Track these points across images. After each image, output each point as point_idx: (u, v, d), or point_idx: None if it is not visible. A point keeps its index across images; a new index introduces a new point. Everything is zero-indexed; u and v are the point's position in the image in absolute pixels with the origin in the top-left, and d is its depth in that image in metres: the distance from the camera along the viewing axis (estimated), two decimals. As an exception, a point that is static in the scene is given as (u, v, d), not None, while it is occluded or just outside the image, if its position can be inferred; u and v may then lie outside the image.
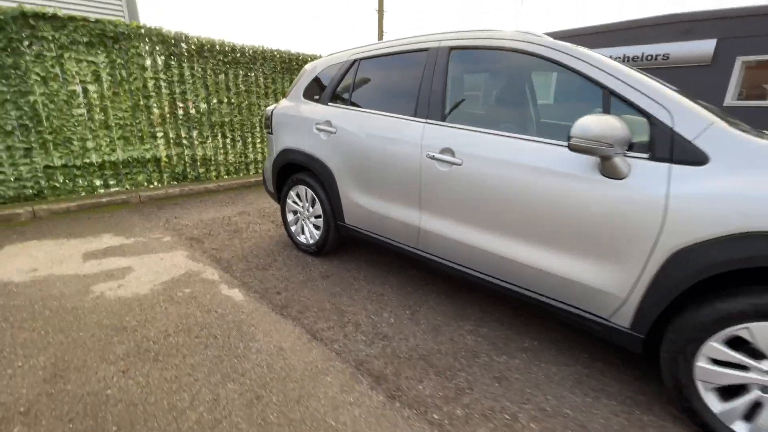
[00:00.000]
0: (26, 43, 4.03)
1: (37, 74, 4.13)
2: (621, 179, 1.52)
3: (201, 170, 5.76)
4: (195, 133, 5.58)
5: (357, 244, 3.43)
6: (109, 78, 4.63)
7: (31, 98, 4.12)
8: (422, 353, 1.98)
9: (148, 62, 4.91)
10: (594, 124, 1.43)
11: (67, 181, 4.53)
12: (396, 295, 2.56)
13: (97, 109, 4.60)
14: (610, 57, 1.76)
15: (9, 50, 3.93)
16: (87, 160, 4.62)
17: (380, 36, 12.26)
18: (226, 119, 5.87)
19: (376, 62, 2.63)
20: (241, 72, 5.91)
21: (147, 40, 4.84)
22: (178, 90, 5.24)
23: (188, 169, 5.59)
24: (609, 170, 1.53)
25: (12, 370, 1.76)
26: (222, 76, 5.70)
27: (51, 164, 4.38)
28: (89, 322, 2.15)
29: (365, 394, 1.68)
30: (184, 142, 5.47)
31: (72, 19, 4.29)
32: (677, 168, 1.43)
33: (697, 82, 6.96)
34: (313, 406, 1.60)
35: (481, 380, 1.80)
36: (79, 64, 4.39)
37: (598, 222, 1.59)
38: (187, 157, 5.53)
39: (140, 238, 3.47)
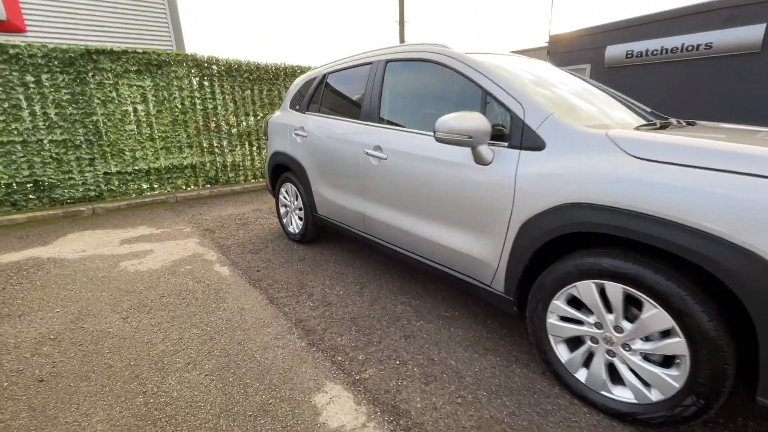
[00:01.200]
0: (90, 74, 5.02)
1: (99, 98, 5.12)
2: (487, 165, 1.82)
3: (231, 174, 6.56)
4: (225, 143, 6.40)
5: (338, 233, 3.87)
6: (154, 98, 5.56)
7: (94, 118, 5.11)
8: (353, 316, 2.36)
9: (185, 83, 5.79)
10: (452, 120, 1.75)
11: (120, 184, 5.49)
12: (354, 275, 2.96)
13: (144, 125, 5.53)
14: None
15: (78, 81, 4.94)
16: (136, 167, 5.56)
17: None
18: (252, 129, 6.65)
19: (338, 76, 3.08)
20: (264, 87, 6.66)
21: (184, 65, 5.72)
22: (210, 105, 6.08)
23: (219, 174, 6.42)
24: (477, 158, 1.83)
25: (51, 314, 2.43)
26: (248, 92, 6.49)
27: (108, 171, 5.36)
28: (110, 286, 2.81)
29: (292, 342, 2.11)
30: (216, 150, 6.30)
31: (125, 52, 5.25)
32: (524, 153, 1.71)
33: (745, 71, 6.55)
34: (249, 346, 2.06)
35: (392, 337, 2.14)
36: (130, 89, 5.35)
37: (473, 201, 1.89)
38: (218, 164, 6.36)
39: (166, 229, 4.21)
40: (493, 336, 2.15)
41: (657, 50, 7.73)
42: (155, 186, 5.83)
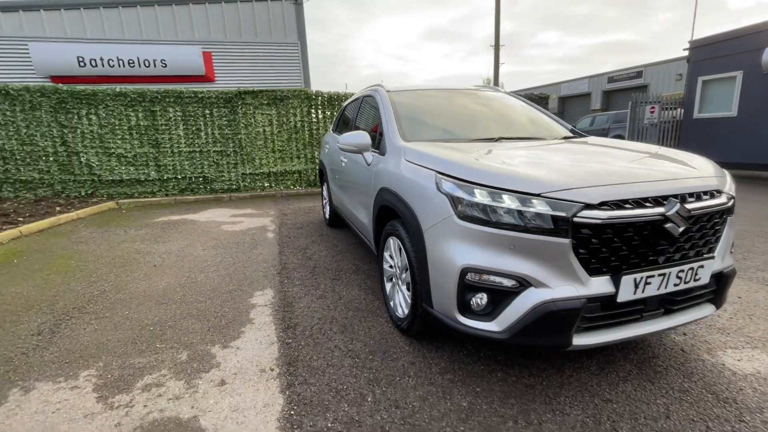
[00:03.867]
0: (239, 107, 7.56)
1: (243, 123, 7.62)
2: (369, 164, 2.78)
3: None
4: (322, 155, 8.33)
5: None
6: (277, 122, 7.84)
7: (239, 136, 7.63)
8: (326, 269, 3.53)
9: (298, 111, 7.93)
10: (346, 137, 2.78)
11: (250, 182, 7.92)
12: (352, 251, 4.09)
13: (269, 141, 7.86)
14: None
15: (232, 111, 7.52)
16: (262, 170, 7.92)
17: (496, 67, 12.88)
18: (343, 145, 8.43)
19: (348, 107, 4.32)
20: (356, 112, 8.37)
21: (298, 98, 7.87)
22: (314, 127, 8.10)
23: (316, 178, 8.37)
24: (364, 160, 2.81)
25: (174, 243, 4.37)
26: (343, 116, 8.31)
27: (245, 172, 7.83)
28: (208, 236, 4.69)
29: (272, 275, 3.42)
30: (316, 160, 8.28)
31: (261, 91, 7.67)
32: (381, 157, 2.62)
33: None
34: (251, 267, 3.47)
35: (326, 283, 3.23)
36: (262, 115, 7.74)
37: (365, 186, 2.86)
38: (317, 171, 8.32)
39: (261, 211, 6.15)
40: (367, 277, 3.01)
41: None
42: (272, 185, 8.11)
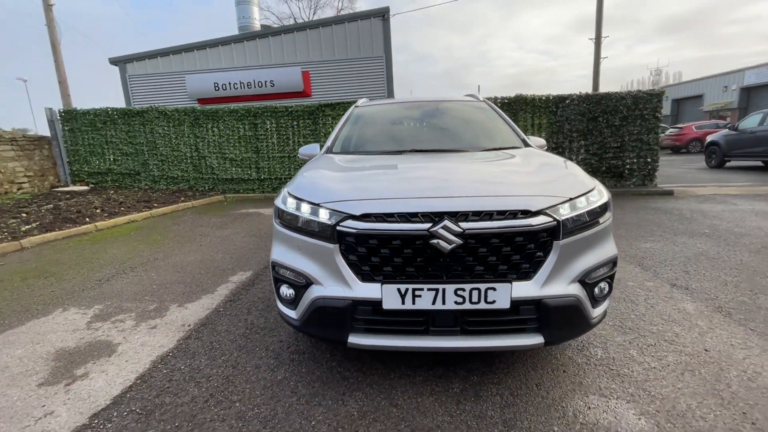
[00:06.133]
0: (320, 118, 8.70)
1: (323, 132, 8.74)
2: (318, 172, 3.19)
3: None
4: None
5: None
6: (350, 130, 8.74)
7: (321, 140, 8.78)
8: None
9: (369, 120, 8.66)
10: (304, 148, 3.23)
11: (326, 183, 9.02)
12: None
13: (342, 147, 8.81)
14: None
15: (313, 122, 8.71)
16: (335, 173, 8.94)
17: (596, 65, 10.57)
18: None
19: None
20: (424, 118, 8.64)
21: (369, 107, 8.60)
22: (382, 134, 8.72)
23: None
24: (317, 168, 3.23)
25: (225, 233, 5.54)
26: (411, 123, 8.68)
27: (322, 174, 8.97)
28: (259, 227, 5.73)
29: (267, 260, 4.13)
30: (383, 165, 8.87)
31: (338, 104, 8.66)
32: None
33: None
34: (261, 253, 4.26)
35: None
36: (338, 125, 8.74)
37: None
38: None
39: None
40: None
41: None
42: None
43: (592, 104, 8.30)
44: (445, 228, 1.56)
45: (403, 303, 1.63)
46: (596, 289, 1.80)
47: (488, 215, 1.59)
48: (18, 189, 8.53)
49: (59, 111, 9.11)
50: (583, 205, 1.72)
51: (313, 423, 1.66)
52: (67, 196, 7.91)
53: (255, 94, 11.19)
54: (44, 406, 1.83)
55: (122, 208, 6.78)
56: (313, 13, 33.10)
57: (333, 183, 1.94)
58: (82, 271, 3.83)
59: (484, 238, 1.60)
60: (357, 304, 1.68)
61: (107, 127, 9.05)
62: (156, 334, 2.50)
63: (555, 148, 8.53)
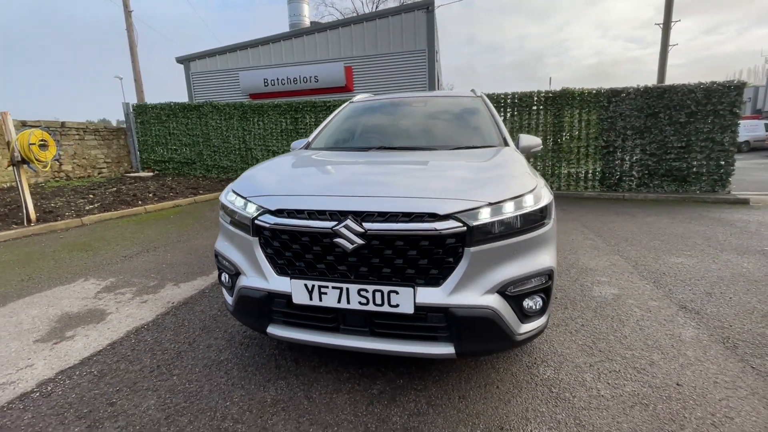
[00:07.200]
0: (356, 112, 8.84)
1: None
2: (306, 166, 3.28)
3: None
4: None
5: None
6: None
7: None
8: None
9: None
10: (295, 143, 3.33)
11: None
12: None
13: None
14: None
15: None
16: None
17: (663, 56, 8.92)
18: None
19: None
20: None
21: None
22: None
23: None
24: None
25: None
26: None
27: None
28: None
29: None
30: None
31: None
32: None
33: None
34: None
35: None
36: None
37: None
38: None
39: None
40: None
41: None
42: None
43: (653, 98, 7.41)
44: (347, 227, 1.55)
45: (310, 299, 1.65)
46: (525, 304, 1.66)
47: (394, 217, 1.55)
48: (98, 173, 9.87)
49: (133, 105, 10.33)
50: (509, 211, 1.59)
51: (227, 404, 1.76)
52: (132, 180, 8.98)
53: (300, 89, 11.67)
54: (29, 359, 2.16)
55: (171, 194, 7.54)
56: (376, 7, 33.42)
57: (268, 178, 2.00)
58: (116, 248, 4.37)
59: (388, 240, 1.55)
60: (273, 296, 1.73)
61: (170, 120, 10.07)
62: (143, 308, 2.79)
63: (605, 147, 7.78)
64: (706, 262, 3.61)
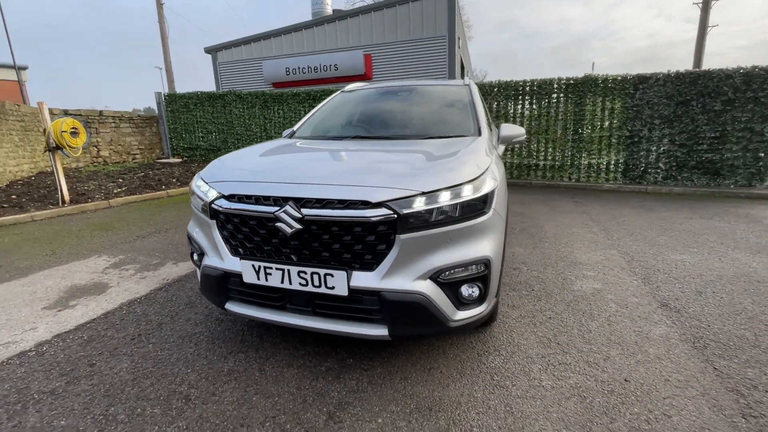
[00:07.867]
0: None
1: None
2: (295, 154, 3.39)
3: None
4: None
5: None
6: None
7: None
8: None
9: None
10: (286, 132, 3.45)
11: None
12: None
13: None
14: None
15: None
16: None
17: (700, 35, 7.94)
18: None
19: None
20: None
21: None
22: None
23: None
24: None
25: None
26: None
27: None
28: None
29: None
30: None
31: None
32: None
33: None
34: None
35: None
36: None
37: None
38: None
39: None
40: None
41: None
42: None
43: (685, 85, 6.90)
44: (286, 212, 1.64)
45: (258, 279, 1.77)
46: (464, 291, 1.70)
47: (330, 204, 1.62)
48: (132, 159, 10.54)
49: (164, 95, 10.88)
50: (444, 200, 1.62)
51: (188, 371, 1.93)
52: (161, 166, 9.53)
53: (321, 77, 11.78)
54: (34, 323, 2.44)
55: (194, 179, 7.96)
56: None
57: (231, 165, 2.12)
58: (132, 228, 4.72)
59: (323, 225, 1.63)
60: (228, 275, 1.86)
61: (197, 109, 10.54)
62: (141, 283, 3.05)
63: (629, 137, 7.38)
64: (710, 260, 3.42)
